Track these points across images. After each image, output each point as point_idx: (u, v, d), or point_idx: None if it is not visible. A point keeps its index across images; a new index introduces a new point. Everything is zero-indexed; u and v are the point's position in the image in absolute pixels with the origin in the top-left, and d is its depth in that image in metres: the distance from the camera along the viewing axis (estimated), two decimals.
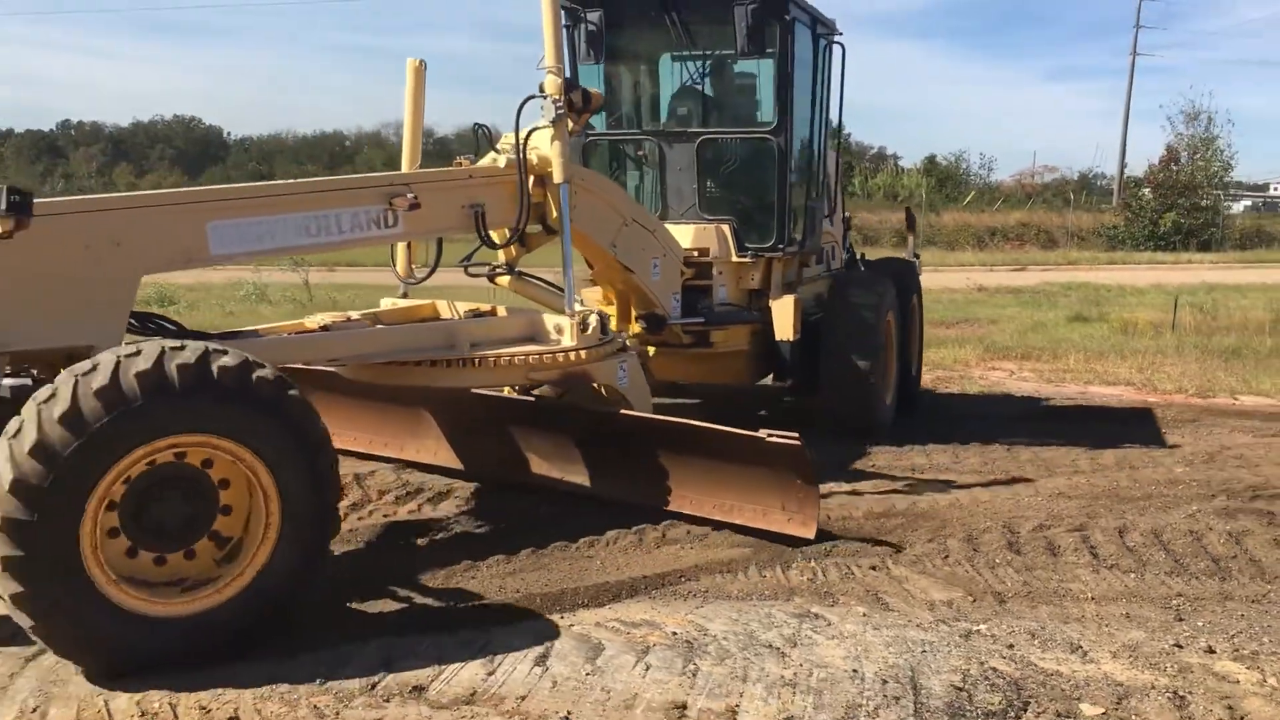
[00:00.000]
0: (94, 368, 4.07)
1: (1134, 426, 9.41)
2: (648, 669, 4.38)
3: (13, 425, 4.01)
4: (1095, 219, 46.68)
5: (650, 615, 4.95)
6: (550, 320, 6.33)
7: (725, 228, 8.09)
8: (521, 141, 6.17)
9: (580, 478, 6.60)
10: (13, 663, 4.34)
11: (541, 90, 6.18)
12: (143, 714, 3.96)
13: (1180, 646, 4.66)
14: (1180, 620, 4.97)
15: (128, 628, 4.17)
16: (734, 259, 8.09)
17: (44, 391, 4.06)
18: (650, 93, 8.90)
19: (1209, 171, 41.79)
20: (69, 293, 4.73)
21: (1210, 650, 4.62)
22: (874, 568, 5.60)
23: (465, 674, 4.32)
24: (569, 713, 4.00)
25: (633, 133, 8.79)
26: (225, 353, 4.35)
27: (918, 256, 12.07)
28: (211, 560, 4.49)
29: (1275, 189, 70.65)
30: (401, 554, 5.86)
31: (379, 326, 6.25)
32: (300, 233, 5.50)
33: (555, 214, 6.30)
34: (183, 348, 4.25)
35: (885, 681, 4.28)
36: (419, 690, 4.18)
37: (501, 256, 6.69)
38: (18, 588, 3.90)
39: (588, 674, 4.33)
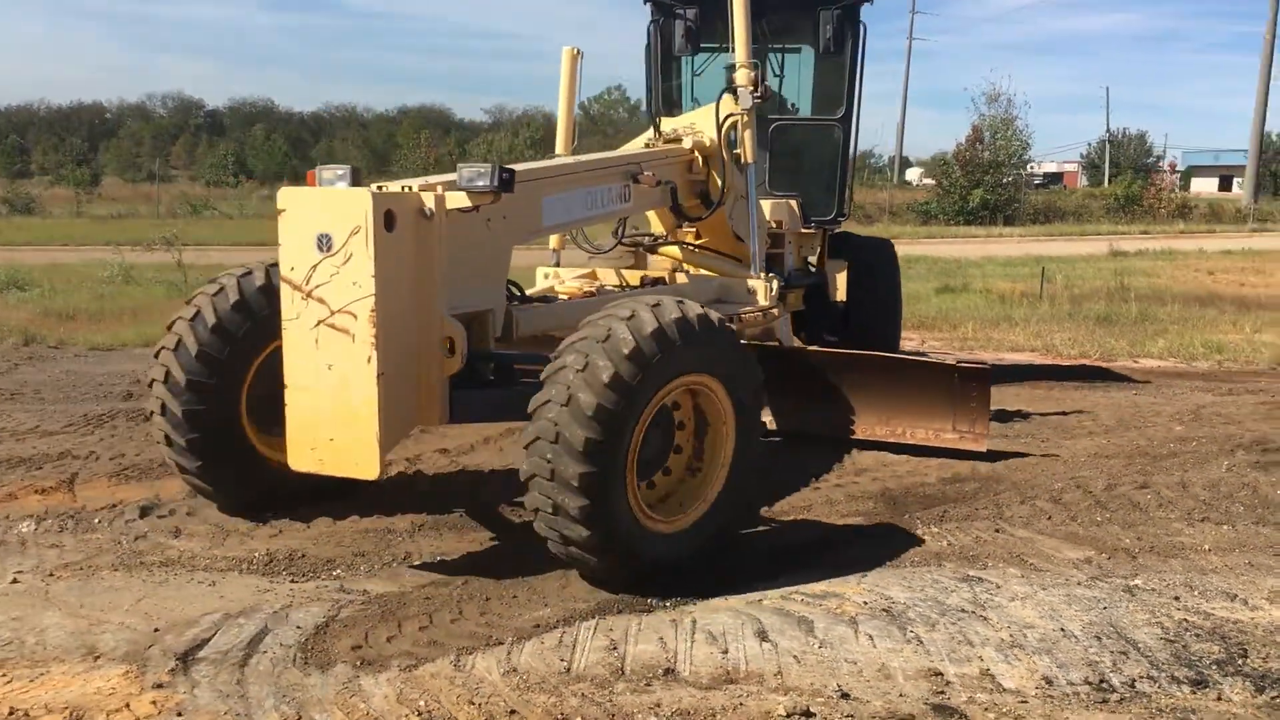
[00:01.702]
0: (633, 314, 4.73)
1: (1104, 389, 10.01)
2: (871, 639, 4.43)
3: (574, 360, 4.58)
4: (891, 195, 48.98)
5: (826, 587, 4.99)
6: (746, 283, 6.95)
7: (793, 202, 8.58)
8: (719, 125, 6.84)
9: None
10: (230, 671, 4.02)
11: (732, 83, 6.89)
12: (416, 713, 3.75)
13: None
14: None
15: (649, 543, 4.87)
16: (801, 230, 8.67)
17: (599, 332, 4.67)
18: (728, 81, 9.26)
19: (1009, 150, 44.28)
20: (482, 261, 5.27)
21: None
22: (997, 530, 5.79)
23: (701, 653, 4.26)
24: (838, 685, 4.01)
25: None
26: (699, 305, 5.10)
27: None
28: (683, 475, 5.28)
29: (1032, 168, 75.65)
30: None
31: (629, 290, 6.78)
32: (584, 206, 5.90)
33: (722, 187, 6.90)
34: (683, 302, 4.96)
35: (1099, 638, 4.46)
36: (670, 672, 4.10)
37: (659, 229, 7.33)
38: (584, 501, 4.48)
39: (819, 646, 4.35)
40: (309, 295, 4.69)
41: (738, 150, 7.01)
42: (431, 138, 54.61)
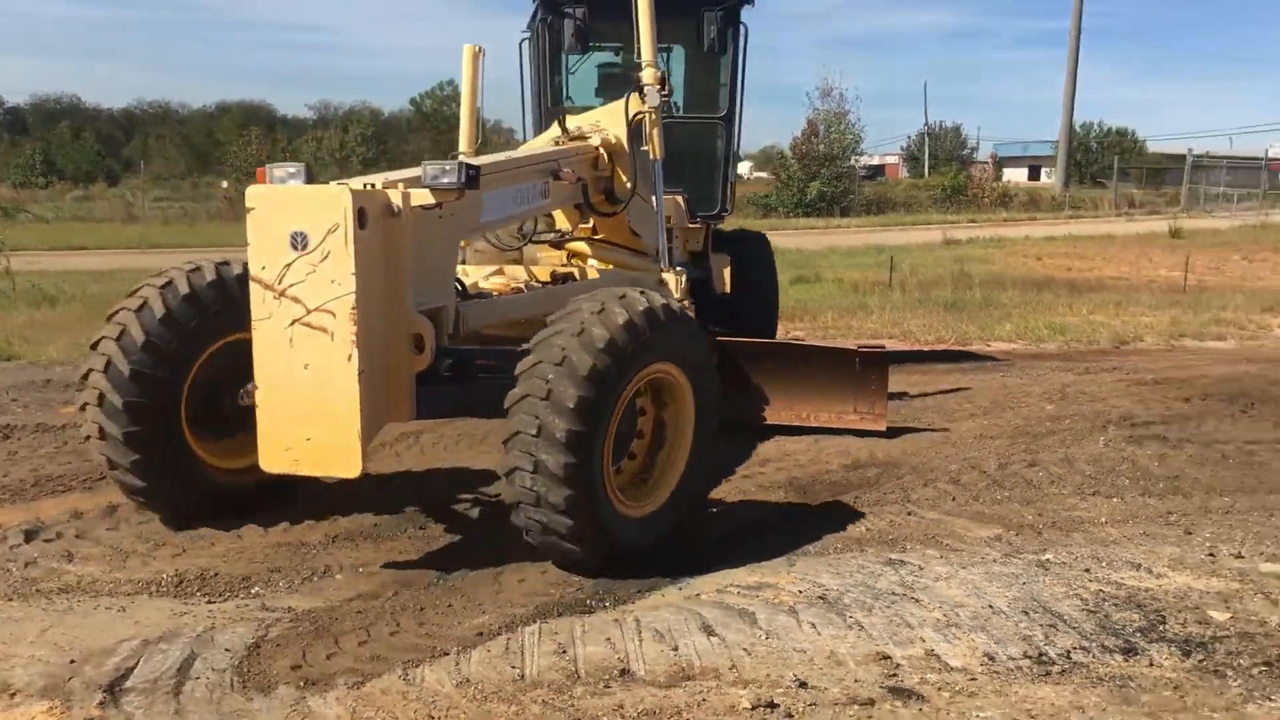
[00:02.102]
0: (624, 295, 4.95)
1: (972, 372, 10.38)
2: (814, 627, 4.48)
3: (571, 324, 4.73)
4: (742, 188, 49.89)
5: (759, 578, 5.02)
6: (660, 276, 7.04)
7: (679, 198, 8.59)
8: (629, 123, 6.85)
9: None
10: (164, 700, 3.79)
11: (640, 82, 6.94)
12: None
13: (1213, 556, 5.33)
14: (1189, 534, 5.66)
15: (620, 526, 4.96)
16: (687, 225, 8.73)
17: (593, 305, 4.84)
18: (614, 79, 9.30)
19: (843, 143, 45.52)
20: (438, 258, 5.21)
21: (1239, 556, 5.32)
22: (909, 514, 5.94)
23: (651, 651, 4.23)
24: (795, 675, 4.03)
25: None
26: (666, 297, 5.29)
27: None
28: (644, 461, 5.42)
29: (855, 161, 78.01)
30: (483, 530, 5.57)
31: (564, 285, 6.78)
32: (514, 202, 5.82)
33: (628, 184, 6.89)
34: (646, 295, 5.11)
35: (1026, 613, 4.61)
36: (626, 673, 4.06)
37: (566, 225, 7.24)
38: (571, 459, 4.55)
39: (766, 638, 4.37)
40: (282, 294, 4.60)
41: (645, 147, 6.99)
42: (260, 135, 52.76)
